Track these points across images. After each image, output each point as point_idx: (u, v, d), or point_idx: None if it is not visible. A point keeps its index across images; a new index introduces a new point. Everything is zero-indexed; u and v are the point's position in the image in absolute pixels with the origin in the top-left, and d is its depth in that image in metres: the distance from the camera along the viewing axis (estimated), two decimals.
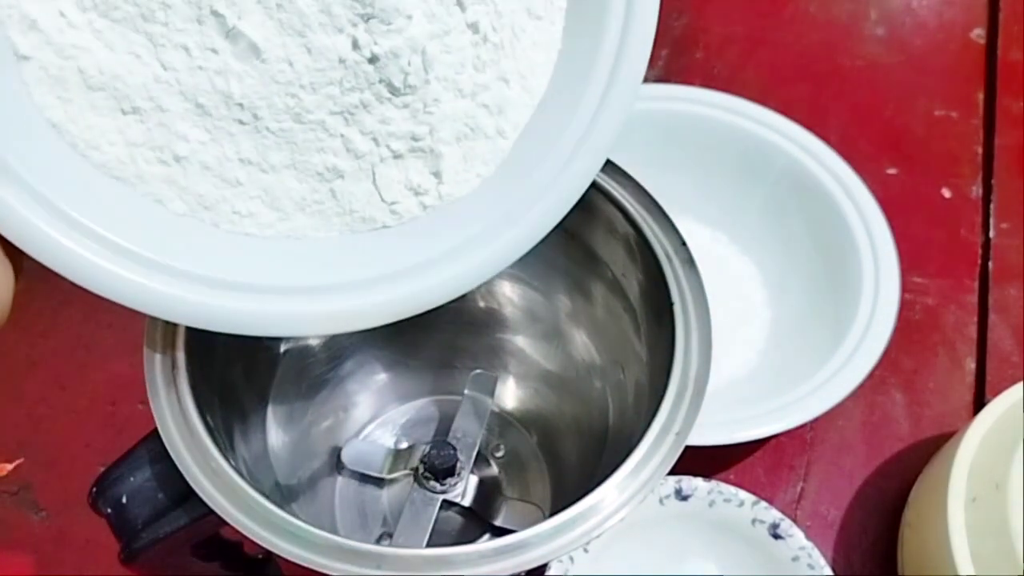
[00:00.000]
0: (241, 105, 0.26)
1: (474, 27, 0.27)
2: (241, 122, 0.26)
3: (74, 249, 0.25)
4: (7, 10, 0.24)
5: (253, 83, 0.25)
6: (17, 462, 0.28)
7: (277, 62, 0.25)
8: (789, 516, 0.44)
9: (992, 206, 0.62)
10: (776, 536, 0.44)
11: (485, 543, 0.26)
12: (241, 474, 0.27)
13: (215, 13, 0.25)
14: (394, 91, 0.26)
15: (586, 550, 0.42)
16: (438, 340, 0.43)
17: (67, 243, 0.25)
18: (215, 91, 0.25)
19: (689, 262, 0.32)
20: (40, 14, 0.24)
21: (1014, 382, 0.46)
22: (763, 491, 0.46)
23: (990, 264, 0.59)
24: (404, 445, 0.44)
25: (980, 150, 0.65)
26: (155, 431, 0.28)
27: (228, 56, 0.25)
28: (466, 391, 0.42)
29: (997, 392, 0.46)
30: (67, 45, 0.25)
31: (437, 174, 0.29)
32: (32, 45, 0.25)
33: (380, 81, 0.26)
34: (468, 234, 0.29)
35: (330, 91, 0.26)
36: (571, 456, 0.43)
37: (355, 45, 0.25)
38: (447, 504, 0.39)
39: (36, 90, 0.25)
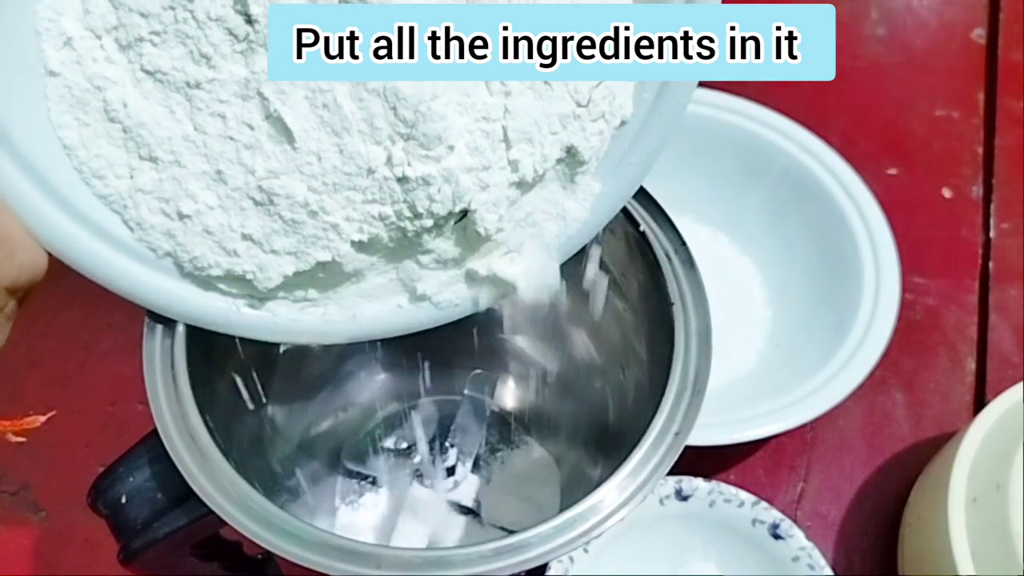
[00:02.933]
0: (260, 186, 0.26)
1: (514, 165, 0.27)
2: (256, 201, 0.26)
3: (81, 238, 0.26)
4: (46, 23, 0.24)
5: (278, 167, 0.25)
6: (50, 414, 0.28)
7: (307, 154, 0.25)
8: (789, 516, 0.44)
9: (992, 206, 0.62)
10: (776, 536, 0.44)
11: (485, 543, 0.26)
12: (240, 474, 0.27)
13: (261, 95, 0.25)
14: (416, 215, 0.26)
15: (586, 550, 0.42)
16: (438, 340, 0.43)
17: (79, 235, 0.26)
18: (239, 163, 0.25)
19: (689, 262, 0.32)
20: (77, 34, 0.24)
21: (1014, 382, 0.46)
22: (763, 491, 0.46)
23: (991, 264, 0.59)
24: (404, 445, 0.44)
25: (981, 150, 0.65)
26: (154, 431, 0.28)
27: (262, 134, 0.25)
28: (466, 391, 0.42)
29: (997, 392, 0.46)
30: (98, 75, 0.25)
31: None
32: (62, 62, 0.25)
33: (404, 201, 0.26)
34: None
35: (351, 196, 0.26)
36: (571, 456, 0.43)
37: (388, 160, 0.25)
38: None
39: (56, 107, 0.25)
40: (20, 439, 0.27)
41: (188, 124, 0.25)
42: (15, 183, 0.24)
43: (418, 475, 0.42)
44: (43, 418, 0.28)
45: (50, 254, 0.26)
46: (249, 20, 0.24)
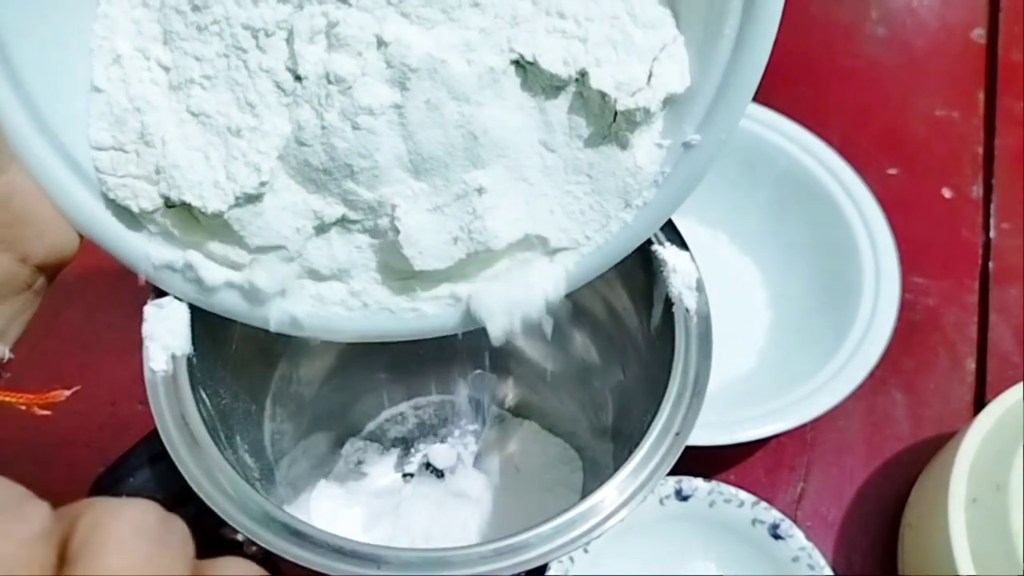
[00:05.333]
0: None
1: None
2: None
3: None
4: (100, 40, 0.25)
5: None
6: (75, 388, 0.29)
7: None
8: (789, 516, 0.44)
9: (992, 206, 0.62)
10: (776, 536, 0.44)
11: (484, 544, 0.26)
12: (241, 474, 0.27)
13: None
14: None
15: (586, 550, 0.42)
16: (438, 340, 0.43)
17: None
18: None
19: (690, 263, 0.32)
20: (127, 53, 0.25)
21: (1014, 382, 0.46)
22: (763, 491, 0.46)
23: (990, 264, 0.59)
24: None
25: (981, 150, 0.65)
26: (155, 431, 0.28)
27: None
28: (466, 391, 0.42)
29: (997, 392, 0.46)
30: (140, 96, 0.25)
31: None
32: (108, 79, 0.25)
33: None
34: None
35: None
36: (575, 454, 0.43)
37: None
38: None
39: (96, 124, 0.25)
40: (46, 412, 0.28)
41: (221, 171, 0.25)
42: (49, 166, 0.25)
43: (419, 475, 0.42)
44: (68, 392, 0.29)
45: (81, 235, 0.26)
46: (298, 78, 0.24)
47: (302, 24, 0.24)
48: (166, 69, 0.25)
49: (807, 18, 0.71)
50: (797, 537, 0.44)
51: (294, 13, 0.24)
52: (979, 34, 0.71)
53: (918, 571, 0.45)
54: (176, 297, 0.28)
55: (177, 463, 0.27)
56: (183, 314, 0.28)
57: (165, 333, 0.28)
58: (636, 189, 0.28)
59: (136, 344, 0.28)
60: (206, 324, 0.29)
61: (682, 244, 0.32)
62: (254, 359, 0.35)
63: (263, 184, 0.25)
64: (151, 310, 0.28)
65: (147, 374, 0.28)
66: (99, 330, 0.53)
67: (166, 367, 0.28)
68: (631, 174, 0.28)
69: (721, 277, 0.56)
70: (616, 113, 0.26)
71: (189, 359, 0.29)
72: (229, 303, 0.28)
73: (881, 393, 0.54)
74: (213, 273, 0.27)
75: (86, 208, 0.26)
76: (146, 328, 0.28)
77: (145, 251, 0.27)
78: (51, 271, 0.26)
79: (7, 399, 0.27)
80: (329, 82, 0.24)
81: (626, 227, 0.29)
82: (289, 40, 0.24)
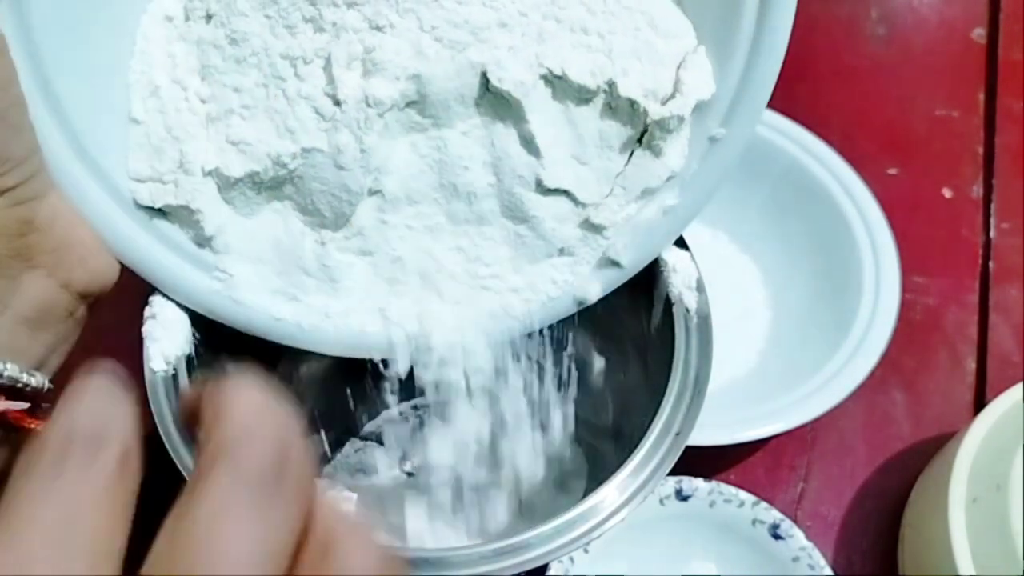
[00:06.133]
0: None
1: None
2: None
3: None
4: (137, 75, 0.25)
5: None
6: None
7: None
8: (789, 516, 0.44)
9: (993, 206, 0.62)
10: (776, 537, 0.44)
11: (484, 544, 0.26)
12: None
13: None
14: None
15: (586, 550, 0.42)
16: None
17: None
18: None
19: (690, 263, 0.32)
20: (164, 84, 0.25)
21: (1014, 382, 0.46)
22: (763, 491, 0.46)
23: (991, 264, 0.59)
24: (404, 445, 0.44)
25: (981, 150, 0.65)
26: (155, 431, 0.28)
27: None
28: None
29: (998, 392, 0.46)
30: (179, 125, 0.25)
31: None
32: (146, 110, 0.26)
33: None
34: None
35: None
36: (574, 454, 0.43)
37: None
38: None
39: (134, 155, 0.25)
40: None
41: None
42: (88, 192, 0.25)
43: (419, 474, 0.42)
44: None
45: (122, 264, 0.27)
46: (337, 102, 0.25)
47: (340, 51, 0.24)
48: (203, 101, 0.25)
49: (807, 18, 0.71)
50: (797, 537, 0.44)
51: (332, 41, 0.24)
52: (979, 34, 0.71)
53: (918, 571, 0.45)
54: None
55: (177, 463, 0.27)
56: (183, 315, 0.28)
57: (165, 334, 0.28)
58: (666, 192, 0.28)
59: (136, 345, 0.28)
60: (205, 325, 0.29)
61: (682, 244, 0.32)
62: (253, 359, 0.35)
63: None
64: (151, 311, 0.28)
65: (147, 374, 0.28)
66: (99, 330, 0.53)
67: (166, 367, 0.28)
68: (663, 180, 0.28)
69: (721, 277, 0.56)
70: (647, 124, 0.27)
71: (189, 359, 0.29)
72: (258, 325, 0.29)
73: (881, 393, 0.54)
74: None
75: (125, 235, 0.26)
76: (146, 329, 0.28)
77: (184, 278, 0.27)
78: (91, 299, 0.26)
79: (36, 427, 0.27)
80: (368, 105, 0.25)
81: (655, 230, 0.29)
82: (326, 67, 0.25)
